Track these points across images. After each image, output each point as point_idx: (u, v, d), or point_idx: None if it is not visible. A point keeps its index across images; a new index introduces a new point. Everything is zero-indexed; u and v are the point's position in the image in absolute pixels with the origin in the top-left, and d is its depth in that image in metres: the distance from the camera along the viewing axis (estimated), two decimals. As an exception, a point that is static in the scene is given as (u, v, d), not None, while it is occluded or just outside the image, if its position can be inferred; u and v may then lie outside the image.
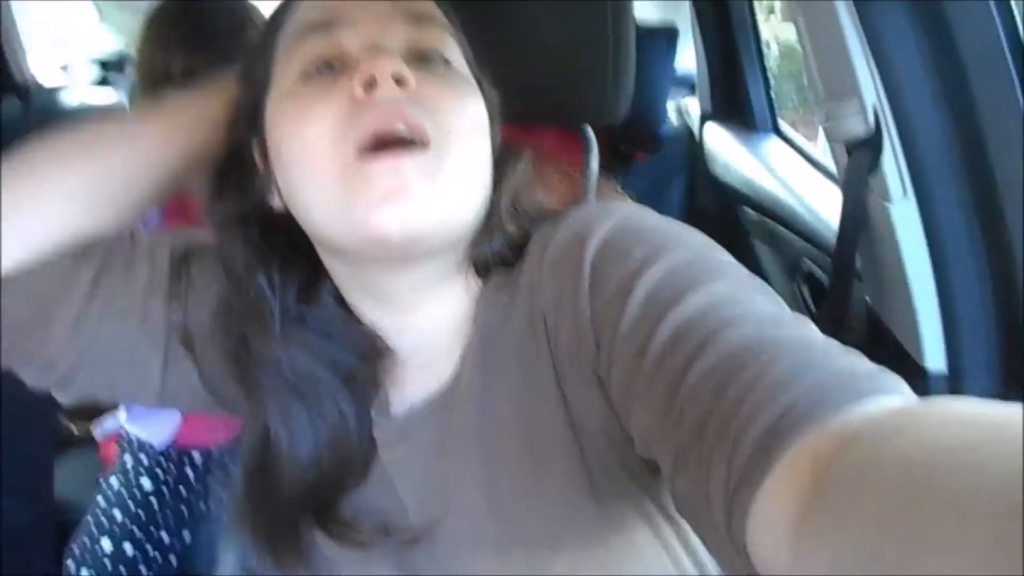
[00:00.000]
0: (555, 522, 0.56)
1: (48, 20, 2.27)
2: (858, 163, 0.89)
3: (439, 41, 0.57)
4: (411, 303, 0.60)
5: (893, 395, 0.38)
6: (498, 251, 0.60)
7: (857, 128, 0.86)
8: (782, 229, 1.49)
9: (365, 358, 0.62)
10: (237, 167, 0.62)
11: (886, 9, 0.79)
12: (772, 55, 2.33)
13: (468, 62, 0.60)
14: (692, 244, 0.53)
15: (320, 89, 0.54)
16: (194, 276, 0.64)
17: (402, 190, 0.50)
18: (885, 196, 0.86)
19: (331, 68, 0.55)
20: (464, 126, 0.54)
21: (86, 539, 1.26)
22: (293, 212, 0.57)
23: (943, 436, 0.30)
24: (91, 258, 0.62)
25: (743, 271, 0.51)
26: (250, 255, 0.60)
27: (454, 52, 0.58)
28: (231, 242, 0.60)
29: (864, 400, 0.37)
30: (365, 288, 0.60)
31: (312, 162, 0.53)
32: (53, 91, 1.98)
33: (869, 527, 0.29)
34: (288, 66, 0.56)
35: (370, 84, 0.51)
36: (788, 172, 1.60)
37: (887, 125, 0.83)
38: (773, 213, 1.53)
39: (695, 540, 0.58)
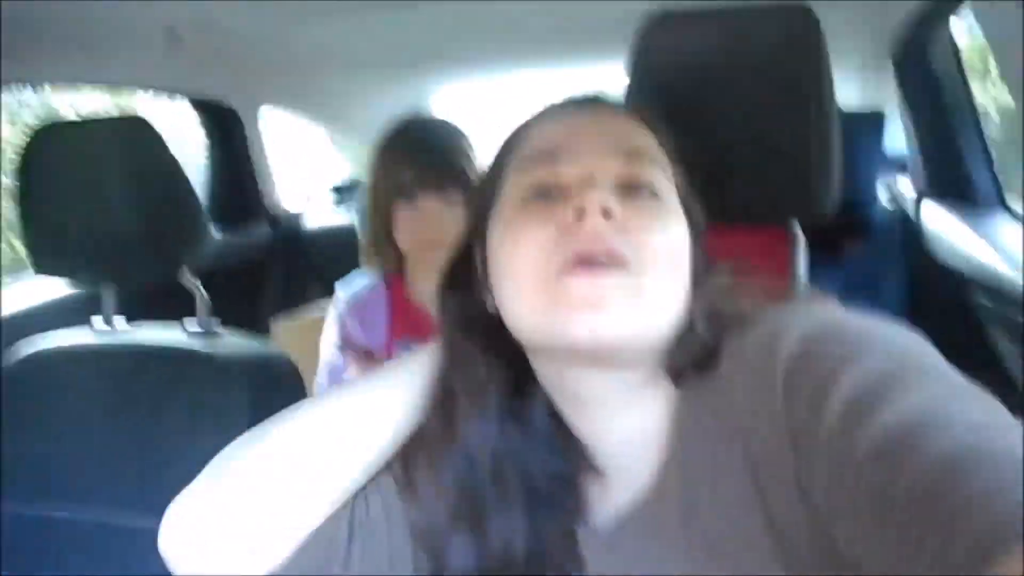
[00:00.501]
0: None
1: (291, 152, 2.58)
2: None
3: (649, 175, 0.61)
4: (610, 409, 0.63)
5: None
6: (694, 358, 0.61)
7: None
8: (1019, 314, 1.37)
9: (570, 460, 0.65)
10: (466, 269, 0.69)
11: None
12: (991, 121, 2.18)
13: (678, 188, 0.64)
14: (893, 345, 0.52)
15: (537, 214, 0.60)
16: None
17: (598, 301, 0.55)
18: None
19: (549, 195, 0.61)
20: (662, 249, 0.58)
21: None
22: (504, 318, 0.63)
23: None
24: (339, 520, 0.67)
25: (954, 375, 0.49)
26: (473, 347, 0.66)
27: (662, 183, 0.62)
28: (457, 335, 0.67)
29: None
30: (566, 392, 0.64)
31: (522, 275, 0.59)
32: (297, 216, 2.24)
33: None
34: (514, 187, 0.63)
35: (580, 214, 0.57)
36: (1019, 250, 1.48)
37: None
38: (1007, 296, 1.41)
39: None
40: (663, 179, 0.62)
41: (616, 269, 0.56)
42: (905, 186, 1.84)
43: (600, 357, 0.58)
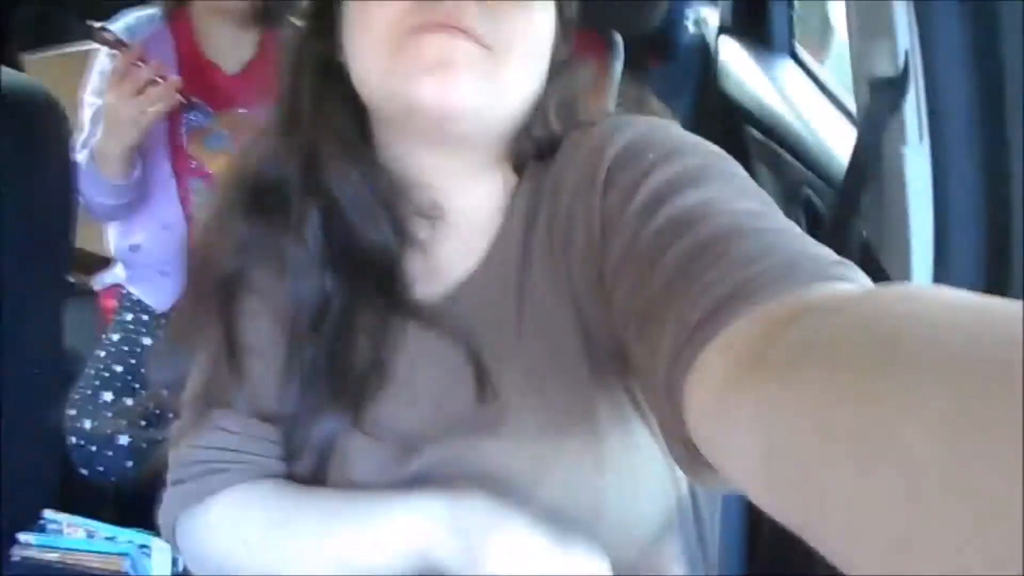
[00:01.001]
0: (564, 407, 0.60)
1: None
2: (879, 103, 0.90)
3: None
4: (449, 188, 0.64)
5: (852, 282, 0.39)
6: (537, 148, 0.64)
7: (886, 68, 0.87)
8: (785, 154, 1.51)
9: (397, 233, 0.64)
10: (328, 15, 0.64)
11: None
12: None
13: None
14: (702, 153, 0.56)
15: None
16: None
17: (449, 66, 0.55)
18: (901, 140, 0.88)
19: None
20: (524, 35, 0.58)
21: (88, 390, 1.31)
22: (353, 76, 0.61)
23: (896, 307, 0.30)
24: None
25: (747, 179, 0.55)
26: (321, 94, 0.63)
27: None
28: (304, 80, 0.63)
29: (825, 281, 0.38)
30: (407, 167, 0.63)
31: (374, 31, 0.57)
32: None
33: (817, 386, 0.29)
34: None
35: None
36: (800, 97, 1.61)
37: (915, 70, 0.84)
38: (779, 137, 1.54)
39: None
40: None
41: (476, 45, 0.56)
42: (712, 18, 1.90)
43: (445, 128, 0.58)
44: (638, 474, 0.62)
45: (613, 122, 0.62)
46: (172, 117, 1.29)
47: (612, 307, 0.54)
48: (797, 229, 0.47)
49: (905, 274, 0.91)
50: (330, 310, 0.63)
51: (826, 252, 0.43)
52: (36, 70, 1.54)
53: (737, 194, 0.51)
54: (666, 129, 0.61)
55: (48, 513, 1.09)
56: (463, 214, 0.65)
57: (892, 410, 0.24)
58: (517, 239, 0.63)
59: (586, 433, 0.60)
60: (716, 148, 0.58)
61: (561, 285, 0.60)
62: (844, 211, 0.99)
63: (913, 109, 0.86)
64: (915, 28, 0.83)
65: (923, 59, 0.83)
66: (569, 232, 0.60)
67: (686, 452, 0.41)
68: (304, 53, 0.65)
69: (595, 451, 0.60)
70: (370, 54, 0.58)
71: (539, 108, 0.63)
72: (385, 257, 0.64)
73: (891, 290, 0.34)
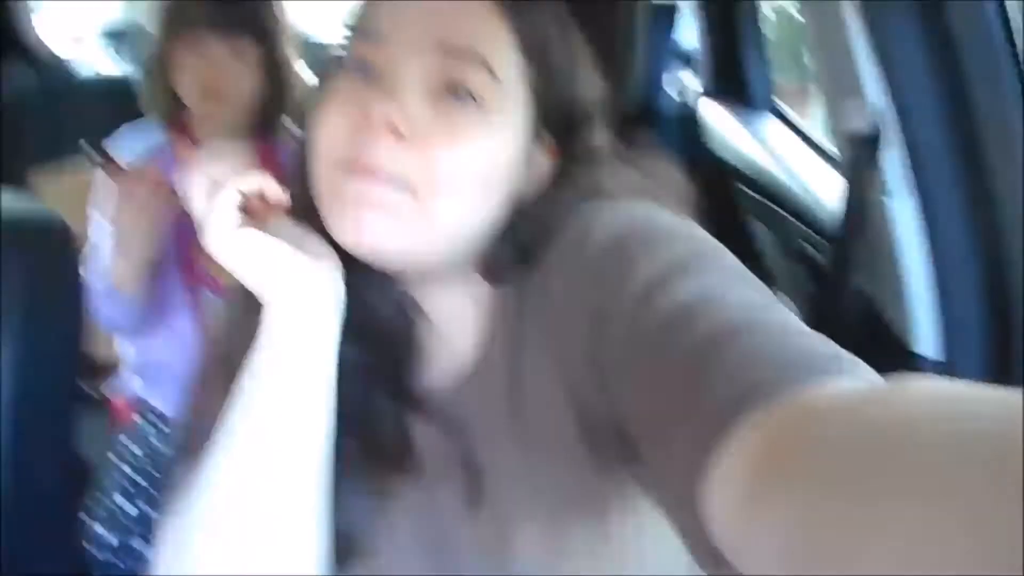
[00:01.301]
0: (568, 498, 0.60)
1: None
2: (860, 158, 0.93)
3: (472, 77, 0.57)
4: (424, 293, 0.63)
5: (855, 377, 0.40)
6: (509, 261, 0.62)
7: (860, 125, 0.89)
8: (777, 208, 1.53)
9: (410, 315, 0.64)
10: None
11: (891, 10, 0.82)
12: (769, 22, 2.34)
13: (529, 84, 0.60)
14: (688, 238, 0.56)
15: (345, 96, 0.58)
16: None
17: (364, 208, 0.55)
18: (884, 191, 0.90)
19: (367, 73, 0.58)
20: (464, 169, 0.56)
21: (107, 500, 1.31)
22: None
23: (888, 408, 0.32)
24: None
25: (737, 264, 0.54)
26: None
27: (488, 87, 0.57)
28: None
29: (823, 379, 0.39)
30: None
31: (316, 158, 0.58)
32: (64, 61, 1.97)
33: (816, 486, 0.31)
34: (345, 55, 0.61)
35: (368, 125, 0.55)
36: (784, 151, 1.64)
37: (891, 123, 0.87)
38: (769, 192, 1.57)
39: None
40: (491, 83, 0.57)
41: (396, 189, 0.55)
42: (691, 81, 1.95)
43: (376, 263, 0.58)
44: (648, 557, 0.61)
45: (595, 210, 0.60)
46: (182, 230, 1.31)
47: (616, 403, 0.53)
48: (795, 321, 0.47)
49: (906, 324, 0.91)
50: (348, 385, 0.61)
51: (828, 347, 0.43)
52: (47, 193, 1.58)
53: (730, 283, 0.51)
54: (648, 215, 0.60)
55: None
56: (443, 314, 0.64)
57: (870, 526, 0.27)
58: (507, 335, 0.63)
59: (593, 523, 0.60)
60: (698, 231, 0.58)
61: (555, 375, 0.60)
62: (839, 265, 1.00)
63: (892, 161, 0.88)
64: (884, 82, 0.85)
65: (896, 111, 0.86)
66: (560, 322, 0.59)
67: (711, 559, 0.41)
68: (301, 157, 0.64)
69: (604, 539, 0.60)
70: (315, 178, 0.59)
71: (511, 227, 0.61)
72: (397, 333, 0.63)
73: (892, 391, 0.35)
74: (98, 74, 1.98)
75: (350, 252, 0.57)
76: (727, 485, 0.38)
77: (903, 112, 0.87)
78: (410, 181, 0.55)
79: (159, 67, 1.26)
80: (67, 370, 1.13)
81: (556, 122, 0.62)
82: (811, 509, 0.31)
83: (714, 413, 0.40)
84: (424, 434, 0.64)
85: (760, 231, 1.61)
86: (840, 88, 0.93)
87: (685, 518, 0.42)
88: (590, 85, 0.64)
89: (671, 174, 0.69)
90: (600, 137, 0.65)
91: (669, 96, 1.91)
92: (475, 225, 0.59)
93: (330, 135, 0.57)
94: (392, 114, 0.54)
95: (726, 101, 1.84)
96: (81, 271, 1.13)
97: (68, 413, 1.13)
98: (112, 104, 1.81)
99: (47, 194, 1.67)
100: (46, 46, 1.92)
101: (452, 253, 0.60)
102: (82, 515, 1.29)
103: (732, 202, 1.67)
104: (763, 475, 0.35)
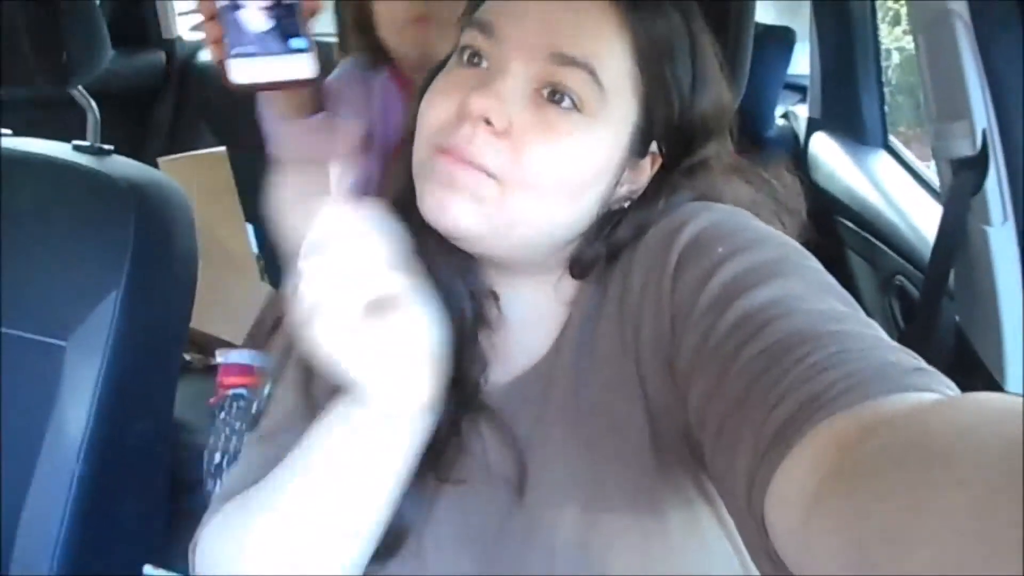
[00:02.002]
0: (627, 495, 0.59)
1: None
2: (962, 184, 0.90)
3: (576, 83, 0.57)
4: (504, 285, 0.65)
5: (934, 391, 0.39)
6: (595, 260, 0.63)
7: (965, 149, 0.87)
8: (879, 244, 1.49)
9: (481, 301, 0.65)
10: None
11: (1004, 36, 0.80)
12: (892, 65, 2.28)
13: (637, 92, 0.59)
14: (777, 245, 0.55)
15: (454, 84, 0.60)
16: None
17: (451, 190, 0.57)
18: (985, 219, 0.87)
19: (476, 64, 0.60)
20: (551, 170, 0.57)
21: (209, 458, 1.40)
22: None
23: (953, 421, 0.31)
24: None
25: (824, 275, 0.53)
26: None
27: (591, 93, 0.57)
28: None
29: (899, 393, 0.38)
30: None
31: (419, 134, 0.61)
32: (195, 46, 2.12)
33: (872, 498, 0.31)
34: (460, 41, 0.62)
35: (465, 114, 0.57)
36: (894, 188, 1.60)
37: (995, 150, 0.84)
38: (872, 227, 1.53)
39: None
40: (596, 92, 0.57)
41: (480, 174, 0.56)
42: (802, 113, 1.93)
43: (460, 243, 0.59)
44: (701, 558, 0.60)
45: (686, 210, 0.60)
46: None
47: (686, 402, 0.53)
48: (876, 330, 0.46)
49: (998, 356, 0.88)
50: None
51: (906, 358, 0.42)
52: (168, 169, 1.70)
53: (813, 291, 0.50)
54: (739, 219, 0.59)
55: (148, 569, 1.14)
56: (522, 309, 0.66)
57: (919, 536, 0.27)
58: (580, 330, 0.63)
59: (651, 522, 0.59)
60: (790, 240, 0.57)
61: (627, 370, 0.60)
62: (933, 294, 0.97)
63: (995, 188, 0.85)
64: (991, 107, 0.83)
65: (1002, 138, 0.83)
66: (639, 317, 0.59)
67: (769, 561, 0.41)
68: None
69: (661, 539, 0.59)
70: (416, 147, 0.61)
71: (605, 228, 0.62)
72: (458, 331, 0.63)
73: (954, 402, 0.35)
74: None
75: (433, 227, 0.58)
76: (790, 493, 0.38)
77: (1010, 139, 0.84)
78: (498, 173, 0.56)
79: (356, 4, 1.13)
80: (176, 325, 1.21)
81: (666, 132, 0.61)
82: (866, 520, 0.31)
83: (781, 421, 0.40)
84: (477, 427, 0.64)
85: (858, 264, 1.57)
86: (947, 111, 0.91)
87: (746, 520, 0.42)
88: (712, 98, 0.61)
89: (786, 187, 0.67)
90: (715, 148, 0.63)
91: (777, 124, 1.90)
92: (558, 223, 0.60)
93: (433, 119, 0.60)
94: (491, 109, 0.56)
95: (839, 135, 1.81)
96: (191, 238, 1.20)
97: (173, 377, 1.21)
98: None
99: (171, 174, 1.78)
100: (179, 35, 2.07)
101: (532, 247, 0.61)
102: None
103: (831, 233, 1.64)
104: (824, 485, 0.35)
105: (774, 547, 0.39)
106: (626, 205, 0.63)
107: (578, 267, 0.63)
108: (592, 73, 0.57)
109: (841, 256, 1.62)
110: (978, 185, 0.87)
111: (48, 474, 1.02)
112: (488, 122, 0.56)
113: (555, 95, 0.57)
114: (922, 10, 0.93)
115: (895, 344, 0.44)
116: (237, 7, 0.67)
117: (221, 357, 1.58)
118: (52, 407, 1.03)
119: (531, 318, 0.66)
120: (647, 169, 0.63)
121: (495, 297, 0.65)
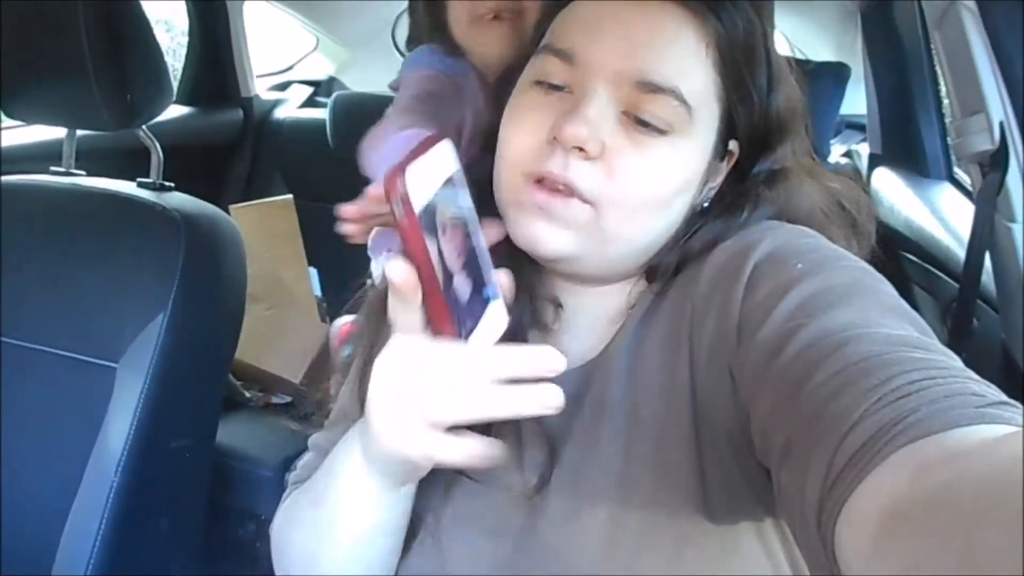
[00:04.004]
0: (661, 498, 0.58)
1: (272, 44, 2.58)
2: (989, 184, 0.87)
3: (662, 108, 0.57)
4: (571, 293, 0.66)
5: (1011, 425, 0.37)
6: (671, 268, 0.63)
7: (984, 143, 0.84)
8: (943, 276, 1.43)
9: (539, 307, 0.65)
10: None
11: (1013, 23, 0.78)
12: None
13: (721, 106, 0.60)
14: (854, 268, 0.55)
15: (536, 110, 0.60)
16: None
17: (546, 217, 0.58)
18: (1010, 216, 0.83)
19: (558, 88, 0.60)
20: (640, 193, 0.58)
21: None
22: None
23: (998, 454, 0.31)
24: None
25: (899, 300, 0.52)
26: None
27: (677, 116, 0.58)
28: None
29: (978, 424, 0.37)
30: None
31: (505, 158, 0.61)
32: (270, 104, 2.27)
33: (931, 534, 0.31)
34: (532, 66, 0.62)
35: (558, 140, 0.57)
36: (958, 219, 1.53)
37: (1013, 142, 0.81)
38: (936, 260, 1.47)
39: (799, 555, 0.58)
40: (683, 112, 0.58)
41: (575, 201, 0.57)
42: (864, 151, 1.89)
43: (548, 265, 0.61)
44: (735, 567, 0.58)
45: (762, 226, 0.60)
46: None
47: (739, 411, 0.53)
48: (954, 360, 0.45)
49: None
50: None
51: (990, 391, 0.41)
52: (239, 216, 1.81)
53: (888, 316, 0.49)
54: (816, 240, 0.58)
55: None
56: (583, 315, 0.66)
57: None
58: (632, 334, 0.63)
59: (685, 525, 0.58)
60: (865, 264, 0.56)
61: (678, 377, 0.59)
62: (967, 295, 0.92)
63: (1017, 183, 0.81)
64: (1007, 98, 0.80)
65: (1020, 129, 0.80)
66: (701, 324, 0.58)
67: None
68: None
69: (696, 545, 0.58)
70: (502, 172, 0.61)
71: (684, 237, 0.62)
72: (511, 335, 0.62)
73: (1010, 437, 0.34)
74: (297, 118, 2.23)
75: (524, 248, 0.60)
76: (862, 518, 0.37)
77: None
78: (592, 197, 0.57)
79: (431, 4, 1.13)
80: (220, 351, 1.27)
81: (746, 132, 0.62)
82: (924, 557, 0.31)
83: (860, 443, 0.39)
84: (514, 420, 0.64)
85: (921, 297, 1.50)
86: (965, 106, 0.89)
87: (815, 547, 0.41)
88: (786, 93, 0.62)
89: (858, 194, 0.67)
90: (790, 148, 0.64)
91: (839, 163, 1.86)
92: (651, 236, 0.61)
93: (518, 146, 0.60)
94: (582, 135, 0.56)
95: (901, 169, 1.76)
96: (240, 271, 1.25)
97: (217, 395, 1.26)
98: (309, 143, 2.07)
99: (241, 218, 1.88)
100: (257, 94, 2.21)
101: (624, 261, 0.62)
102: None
103: (894, 266, 1.58)
104: (891, 516, 0.35)
105: (839, 569, 0.38)
106: (705, 205, 0.64)
107: (655, 273, 0.64)
108: (678, 96, 0.57)
109: (906, 291, 1.56)
110: (1000, 180, 0.84)
111: (91, 483, 1.08)
112: (582, 150, 0.57)
113: (644, 121, 0.57)
114: (933, 6, 0.92)
115: (976, 376, 0.43)
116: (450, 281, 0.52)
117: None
118: (100, 422, 1.09)
119: (587, 323, 0.66)
120: (725, 167, 0.63)
121: (557, 305, 0.66)
